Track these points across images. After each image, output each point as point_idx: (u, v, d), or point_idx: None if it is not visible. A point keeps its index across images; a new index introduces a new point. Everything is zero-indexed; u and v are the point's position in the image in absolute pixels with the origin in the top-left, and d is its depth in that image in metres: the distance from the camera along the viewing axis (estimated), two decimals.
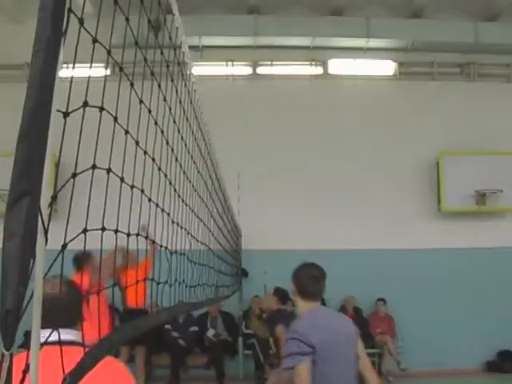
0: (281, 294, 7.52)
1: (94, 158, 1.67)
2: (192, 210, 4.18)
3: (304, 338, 3.38)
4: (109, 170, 1.86)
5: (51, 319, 1.34)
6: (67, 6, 1.06)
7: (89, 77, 1.79)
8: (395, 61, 12.27)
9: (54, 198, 1.18)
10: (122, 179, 1.98)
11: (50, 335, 1.42)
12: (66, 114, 1.24)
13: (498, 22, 11.99)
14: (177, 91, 3.53)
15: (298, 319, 3.74)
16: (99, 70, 3.03)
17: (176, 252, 3.52)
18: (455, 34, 11.74)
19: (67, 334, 1.87)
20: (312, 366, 3.35)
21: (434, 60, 12.19)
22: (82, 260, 5.94)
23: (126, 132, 2.14)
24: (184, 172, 3.79)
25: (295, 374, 3.34)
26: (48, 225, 0.99)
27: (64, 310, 1.96)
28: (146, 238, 2.61)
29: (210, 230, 5.47)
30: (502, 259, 11.28)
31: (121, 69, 2.14)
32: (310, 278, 3.69)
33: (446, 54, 12.14)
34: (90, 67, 1.57)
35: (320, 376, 3.37)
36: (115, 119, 1.90)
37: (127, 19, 2.10)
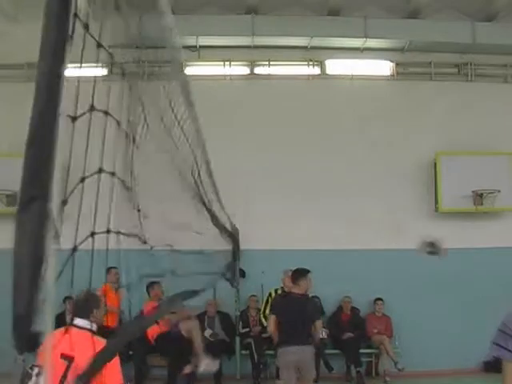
0: None
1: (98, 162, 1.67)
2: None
3: None
4: (104, 172, 1.86)
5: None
6: (73, 11, 1.07)
7: (94, 77, 1.79)
8: (392, 61, 12.26)
9: (65, 202, 1.18)
10: (123, 182, 1.98)
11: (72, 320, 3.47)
12: (73, 118, 1.24)
13: (495, 22, 12.00)
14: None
15: None
16: (95, 70, 3.03)
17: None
18: (452, 35, 11.75)
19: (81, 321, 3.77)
20: None
21: (431, 60, 12.19)
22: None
23: (126, 134, 2.14)
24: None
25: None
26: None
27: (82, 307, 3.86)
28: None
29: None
30: (499, 259, 11.28)
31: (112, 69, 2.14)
32: None
33: (444, 54, 12.16)
34: (94, 68, 1.57)
35: None
36: (106, 113, 1.90)
37: (135, 19, 2.10)
